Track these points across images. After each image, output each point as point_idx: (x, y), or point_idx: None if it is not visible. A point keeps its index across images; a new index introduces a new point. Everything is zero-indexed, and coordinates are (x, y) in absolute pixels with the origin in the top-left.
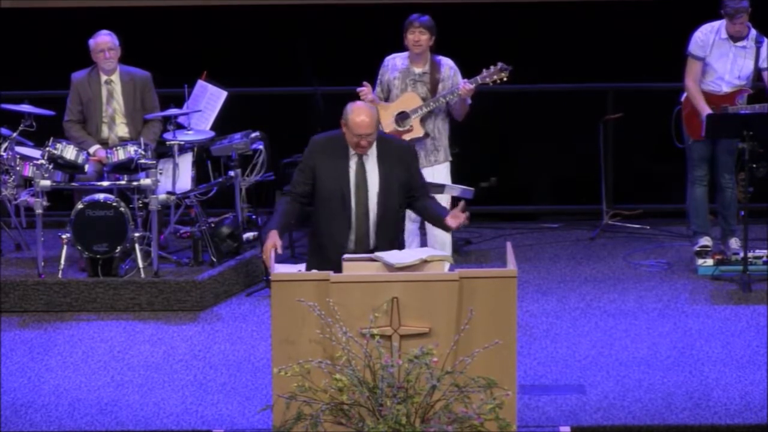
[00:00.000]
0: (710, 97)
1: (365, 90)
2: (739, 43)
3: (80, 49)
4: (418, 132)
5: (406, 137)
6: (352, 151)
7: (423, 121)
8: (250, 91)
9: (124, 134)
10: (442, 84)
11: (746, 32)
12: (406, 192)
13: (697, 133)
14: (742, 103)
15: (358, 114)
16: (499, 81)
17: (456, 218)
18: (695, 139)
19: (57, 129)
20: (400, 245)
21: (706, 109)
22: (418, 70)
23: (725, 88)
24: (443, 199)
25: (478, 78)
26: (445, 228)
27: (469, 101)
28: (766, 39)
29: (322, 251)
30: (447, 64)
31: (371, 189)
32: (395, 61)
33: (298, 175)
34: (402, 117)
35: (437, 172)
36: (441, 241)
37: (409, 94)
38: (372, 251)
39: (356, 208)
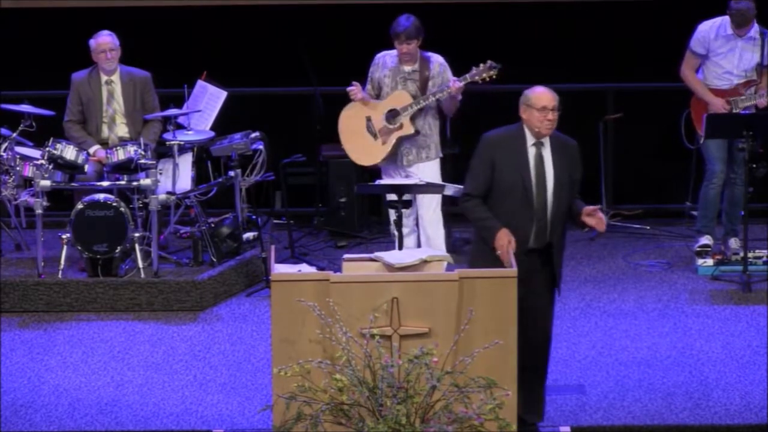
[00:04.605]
0: (720, 93)
1: (354, 89)
2: (745, 36)
3: (80, 49)
4: (408, 129)
5: (397, 135)
6: (530, 142)
7: (413, 118)
8: (250, 91)
9: (124, 134)
10: (432, 81)
11: (750, 26)
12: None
13: None
14: (751, 94)
15: (538, 91)
16: (488, 78)
17: (597, 220)
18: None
19: (57, 129)
20: (563, 245)
21: (707, 95)
22: (407, 68)
23: (735, 81)
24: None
25: (468, 76)
26: (582, 225)
27: (459, 97)
28: None
29: None
30: (436, 60)
31: (549, 181)
32: (385, 59)
33: (479, 175)
34: (392, 115)
35: (427, 168)
36: (436, 245)
37: (399, 92)
38: (549, 246)
39: (537, 199)
